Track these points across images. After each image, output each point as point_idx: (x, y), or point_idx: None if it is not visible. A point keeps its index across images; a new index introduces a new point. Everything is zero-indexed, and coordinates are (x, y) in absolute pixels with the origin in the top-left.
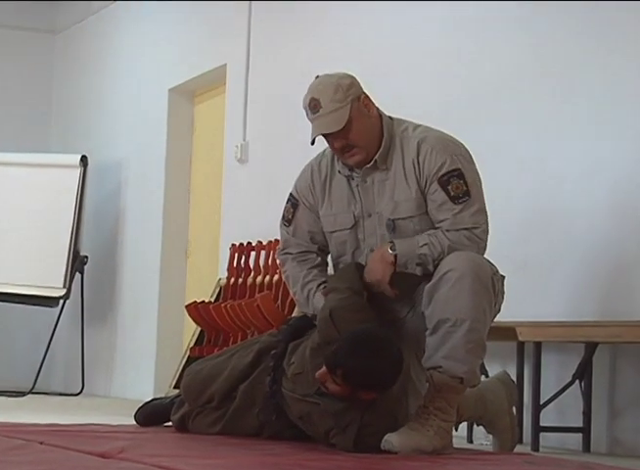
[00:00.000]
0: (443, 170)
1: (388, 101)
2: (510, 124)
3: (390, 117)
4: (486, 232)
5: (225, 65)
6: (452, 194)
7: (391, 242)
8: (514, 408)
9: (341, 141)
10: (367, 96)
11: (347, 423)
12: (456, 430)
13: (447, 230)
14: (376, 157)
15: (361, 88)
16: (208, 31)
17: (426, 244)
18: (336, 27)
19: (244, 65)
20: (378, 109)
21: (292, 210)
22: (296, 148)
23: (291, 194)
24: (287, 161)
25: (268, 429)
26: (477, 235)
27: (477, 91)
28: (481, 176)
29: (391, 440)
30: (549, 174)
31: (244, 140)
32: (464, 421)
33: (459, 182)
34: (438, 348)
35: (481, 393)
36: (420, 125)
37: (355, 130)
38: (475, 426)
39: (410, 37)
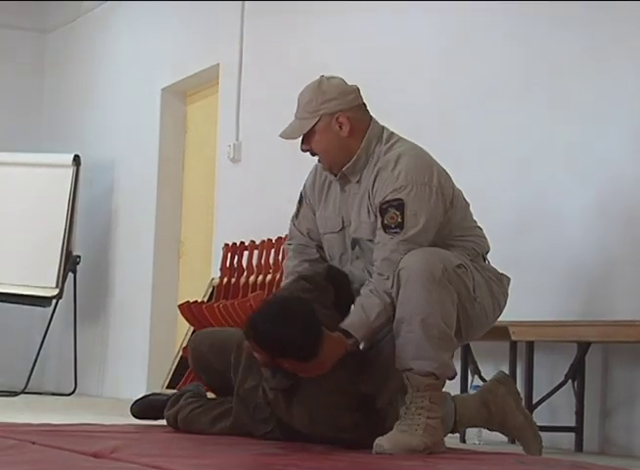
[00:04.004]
0: (387, 199)
1: (380, 104)
2: (501, 127)
3: (382, 133)
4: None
5: (218, 64)
6: (385, 222)
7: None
8: (522, 403)
9: (304, 146)
10: (350, 115)
11: (286, 402)
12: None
13: (376, 260)
14: (343, 170)
15: (354, 101)
16: (201, 31)
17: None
18: (328, 28)
19: (236, 64)
20: (373, 120)
21: (299, 205)
22: (288, 148)
23: (300, 191)
24: (280, 160)
25: (262, 427)
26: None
27: (470, 95)
28: (473, 178)
29: (382, 443)
30: (539, 176)
31: (236, 140)
32: (471, 427)
33: (395, 213)
34: (404, 349)
35: (481, 396)
36: (397, 147)
37: (316, 142)
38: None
39: (403, 40)
